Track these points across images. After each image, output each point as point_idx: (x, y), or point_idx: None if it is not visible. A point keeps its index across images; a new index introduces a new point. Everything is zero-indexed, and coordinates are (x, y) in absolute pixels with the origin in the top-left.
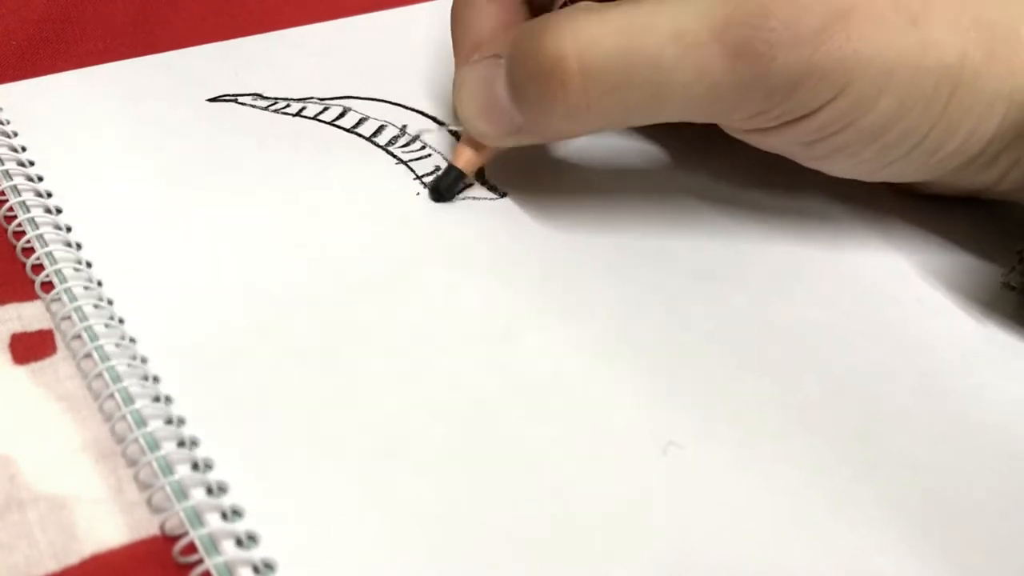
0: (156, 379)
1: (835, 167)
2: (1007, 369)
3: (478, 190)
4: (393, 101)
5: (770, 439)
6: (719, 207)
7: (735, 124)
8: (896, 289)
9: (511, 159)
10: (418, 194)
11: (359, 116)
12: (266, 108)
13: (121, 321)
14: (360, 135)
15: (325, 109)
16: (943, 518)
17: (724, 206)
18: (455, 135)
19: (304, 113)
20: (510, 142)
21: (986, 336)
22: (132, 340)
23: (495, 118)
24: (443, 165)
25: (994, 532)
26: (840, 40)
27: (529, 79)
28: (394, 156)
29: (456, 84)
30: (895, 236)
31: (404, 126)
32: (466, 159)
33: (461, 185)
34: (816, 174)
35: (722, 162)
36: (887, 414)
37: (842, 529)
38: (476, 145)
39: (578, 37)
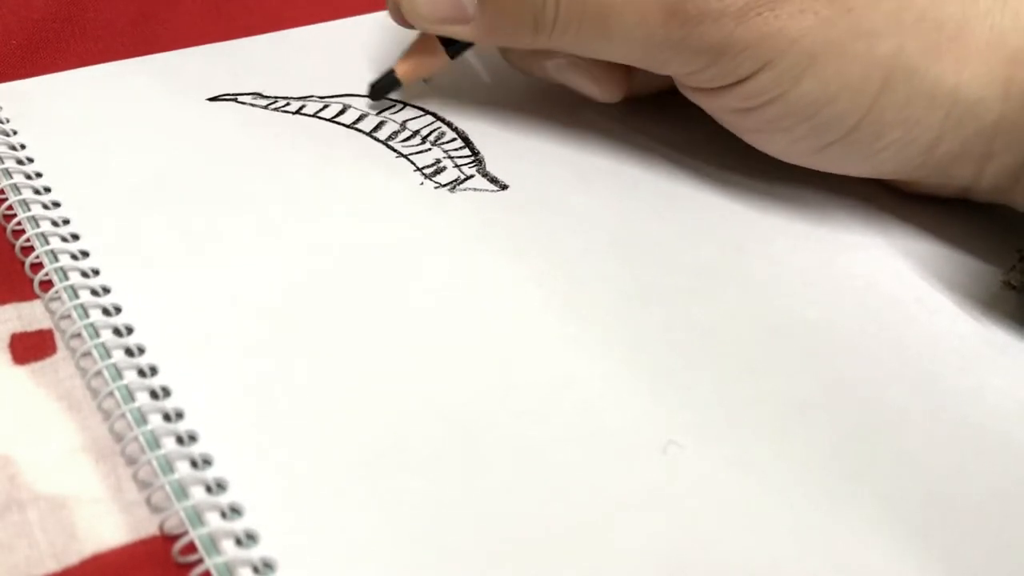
0: (154, 371)
1: (772, 143)
2: (1006, 369)
3: (480, 182)
4: (393, 98)
5: (770, 438)
6: (720, 206)
7: (678, 79)
8: (895, 289)
9: (512, 152)
10: (421, 184)
11: (359, 112)
12: (266, 107)
13: (118, 311)
14: (360, 131)
15: (325, 107)
16: (942, 518)
17: (725, 205)
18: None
19: (304, 111)
20: (446, 31)
21: (985, 336)
22: (129, 330)
23: (444, 5)
24: (446, 164)
25: (993, 532)
26: (767, 18)
27: None
28: (394, 150)
29: None
30: (895, 236)
31: (404, 122)
32: (407, 68)
33: (396, 89)
34: (817, 174)
35: (723, 161)
36: (886, 414)
37: (841, 529)
38: (420, 59)
39: None
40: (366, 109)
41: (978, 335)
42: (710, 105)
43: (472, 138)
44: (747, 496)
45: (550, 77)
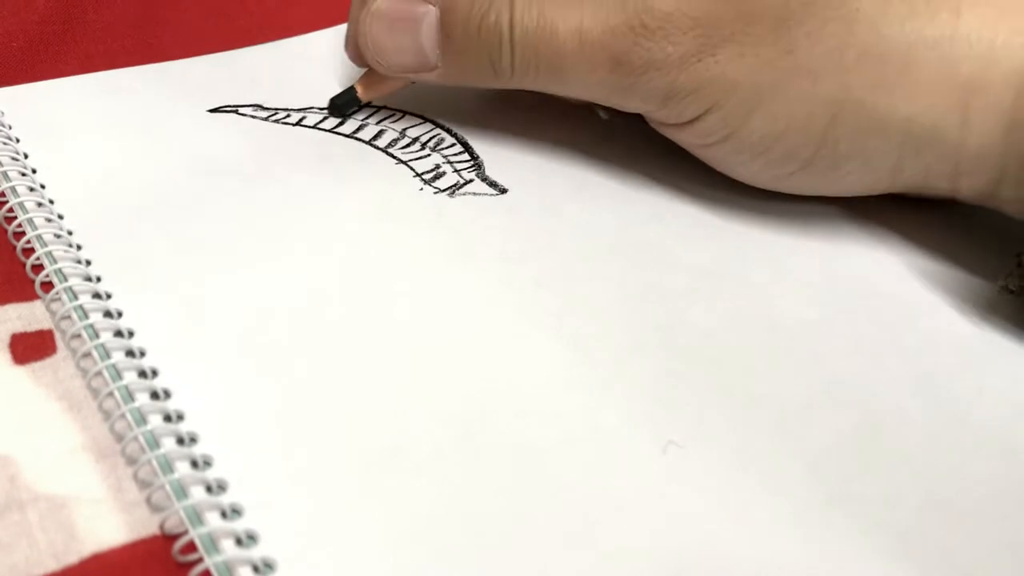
0: (155, 373)
1: (738, 172)
2: (1005, 371)
3: (479, 186)
4: (392, 107)
5: (769, 439)
6: (720, 207)
7: (638, 113)
8: (894, 291)
9: (512, 157)
10: (421, 190)
11: (358, 123)
12: (267, 119)
13: (120, 315)
14: (360, 139)
15: (325, 118)
16: (941, 519)
17: (725, 206)
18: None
19: (304, 122)
20: (413, 78)
21: (984, 338)
22: (131, 334)
23: (410, 55)
24: (445, 169)
25: (992, 533)
26: (707, 63)
27: (468, 39)
28: (394, 157)
29: (371, 14)
30: (894, 238)
31: (404, 130)
32: (366, 85)
33: (355, 108)
34: None
35: None
36: (885, 415)
37: (840, 529)
38: (382, 79)
39: (513, 14)
40: (365, 120)
41: (977, 336)
42: (675, 137)
43: (472, 143)
44: (747, 496)
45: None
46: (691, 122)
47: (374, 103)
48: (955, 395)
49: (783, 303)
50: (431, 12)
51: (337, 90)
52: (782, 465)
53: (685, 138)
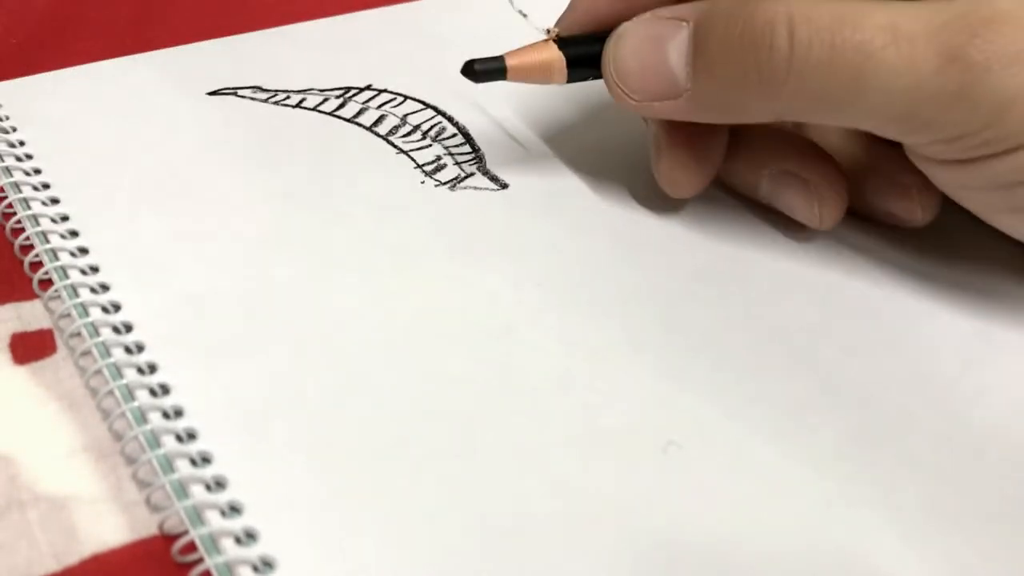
0: (152, 368)
1: None
2: (1007, 369)
3: (480, 180)
4: (393, 91)
5: (769, 439)
6: (720, 207)
7: (932, 149)
8: (894, 290)
9: (513, 149)
10: (422, 183)
11: (359, 106)
12: (266, 100)
13: (117, 308)
14: (360, 125)
15: (324, 100)
16: (941, 519)
17: (725, 206)
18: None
19: (304, 104)
20: (655, 109)
21: (986, 336)
22: (128, 328)
23: (654, 78)
24: (446, 161)
25: (992, 533)
26: None
27: (730, 40)
28: (394, 146)
29: (618, 34)
30: (893, 237)
31: (404, 116)
32: (518, 64)
33: (494, 79)
34: None
35: None
36: (885, 415)
37: (840, 529)
38: (536, 64)
39: (792, 11)
40: (365, 103)
41: (978, 335)
42: (959, 180)
43: (472, 133)
44: (747, 497)
45: (760, 194)
46: (1013, 151)
47: (375, 89)
48: (956, 393)
49: (784, 304)
50: (683, 28)
51: (329, 76)
52: (782, 465)
53: (983, 175)
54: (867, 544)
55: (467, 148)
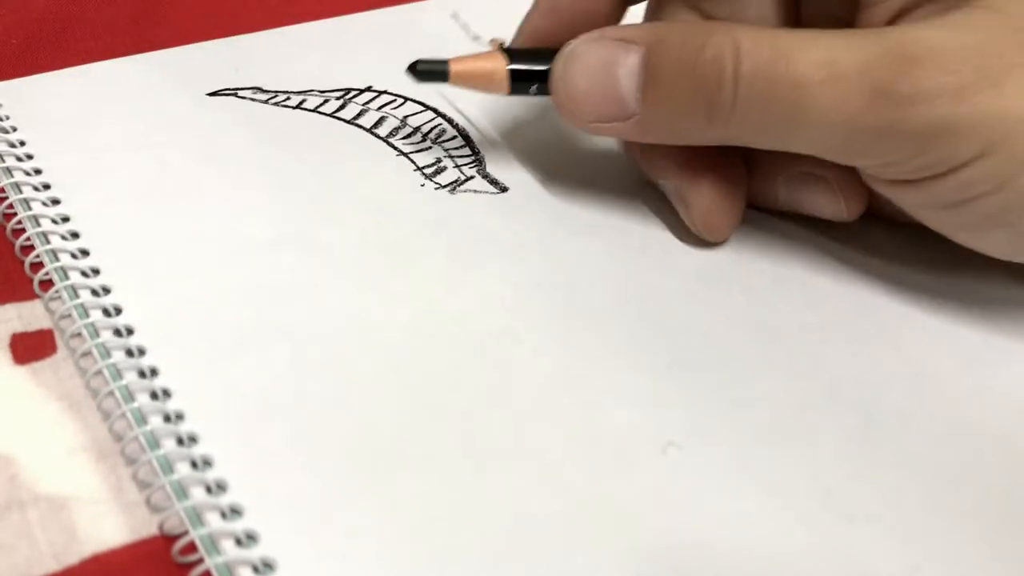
0: (154, 372)
1: (989, 242)
2: (1007, 370)
3: (480, 183)
4: (394, 93)
5: (769, 440)
6: None
7: (872, 171)
8: (894, 289)
9: (513, 151)
10: (422, 185)
11: (359, 108)
12: (266, 101)
13: (119, 312)
14: (360, 127)
15: (325, 102)
16: (941, 519)
17: None
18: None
19: (304, 106)
20: (602, 130)
21: (985, 337)
22: (130, 332)
23: (603, 102)
24: (446, 164)
25: (993, 533)
26: (992, 96)
27: (680, 75)
28: (395, 148)
29: (566, 56)
30: (892, 236)
31: (405, 118)
32: (461, 71)
33: (436, 81)
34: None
35: None
36: (885, 415)
37: (840, 530)
38: (480, 72)
39: (738, 47)
40: (366, 105)
41: (978, 335)
42: (909, 200)
43: (472, 135)
44: (746, 497)
45: (779, 202)
46: (950, 172)
47: (375, 90)
48: (956, 394)
49: (783, 306)
50: (634, 53)
51: (330, 77)
52: (782, 466)
53: (930, 196)
54: (867, 545)
55: (467, 151)
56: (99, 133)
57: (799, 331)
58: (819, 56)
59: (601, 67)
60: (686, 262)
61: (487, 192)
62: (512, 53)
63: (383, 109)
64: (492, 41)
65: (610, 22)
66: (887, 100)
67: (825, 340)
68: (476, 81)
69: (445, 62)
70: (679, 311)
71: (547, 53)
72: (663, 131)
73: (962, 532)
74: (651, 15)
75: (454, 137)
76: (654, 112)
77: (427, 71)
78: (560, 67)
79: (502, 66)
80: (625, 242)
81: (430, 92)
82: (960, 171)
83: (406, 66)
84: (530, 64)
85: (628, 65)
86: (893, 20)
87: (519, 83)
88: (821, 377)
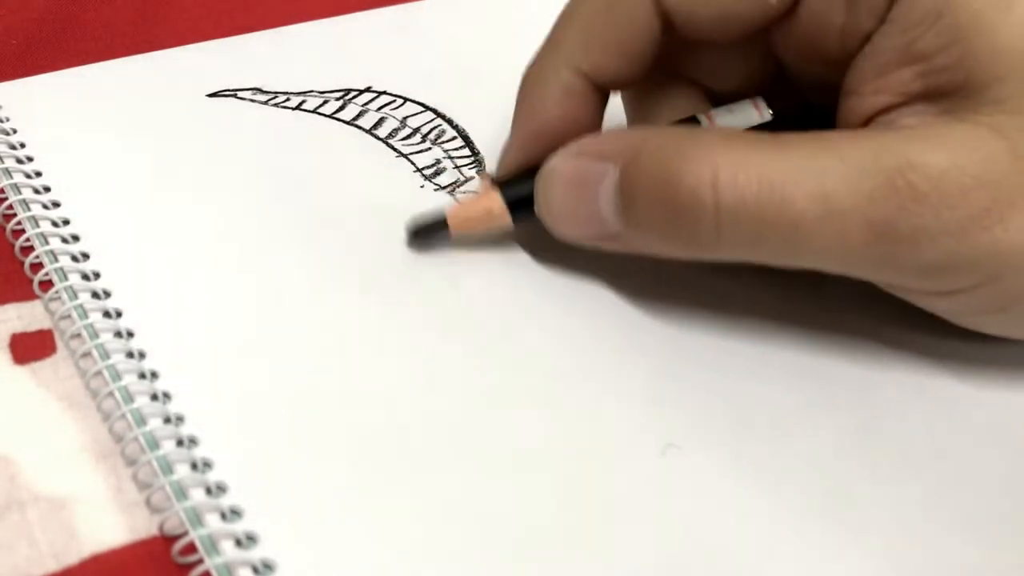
0: (155, 375)
1: (983, 327)
2: (1007, 371)
3: (479, 184)
4: (394, 93)
5: (768, 441)
6: None
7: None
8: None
9: None
10: (422, 187)
11: (358, 109)
12: (266, 102)
13: (119, 315)
14: (360, 128)
15: (325, 103)
16: (942, 520)
17: None
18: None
19: (304, 107)
20: (591, 244)
21: (986, 337)
22: (130, 334)
23: (585, 223)
24: (446, 165)
25: (993, 533)
26: (995, 232)
27: (655, 204)
28: (394, 149)
29: (545, 175)
30: None
31: (404, 119)
32: (460, 219)
33: (438, 237)
34: None
35: None
36: (885, 416)
37: (840, 531)
38: (478, 214)
39: (718, 177)
40: (365, 106)
41: (979, 336)
42: (909, 298)
43: (472, 136)
44: (746, 498)
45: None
46: (953, 293)
47: (375, 91)
48: (956, 395)
49: (783, 306)
50: (610, 173)
51: (329, 77)
52: (781, 467)
53: (935, 305)
54: (866, 547)
55: (466, 152)
56: (99, 135)
57: (798, 331)
58: (812, 189)
59: (579, 188)
60: (686, 262)
61: None
62: (504, 185)
63: (383, 110)
64: (482, 175)
65: (592, 128)
66: (886, 238)
67: (824, 339)
68: (478, 223)
69: (442, 215)
70: (677, 311)
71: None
72: (649, 251)
73: (962, 532)
74: (639, 93)
75: (454, 138)
76: (636, 235)
77: (425, 228)
78: (541, 188)
79: (498, 202)
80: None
81: (430, 92)
82: (958, 295)
83: (406, 239)
84: (524, 189)
85: (605, 186)
86: (881, 112)
87: (521, 211)
88: (820, 377)
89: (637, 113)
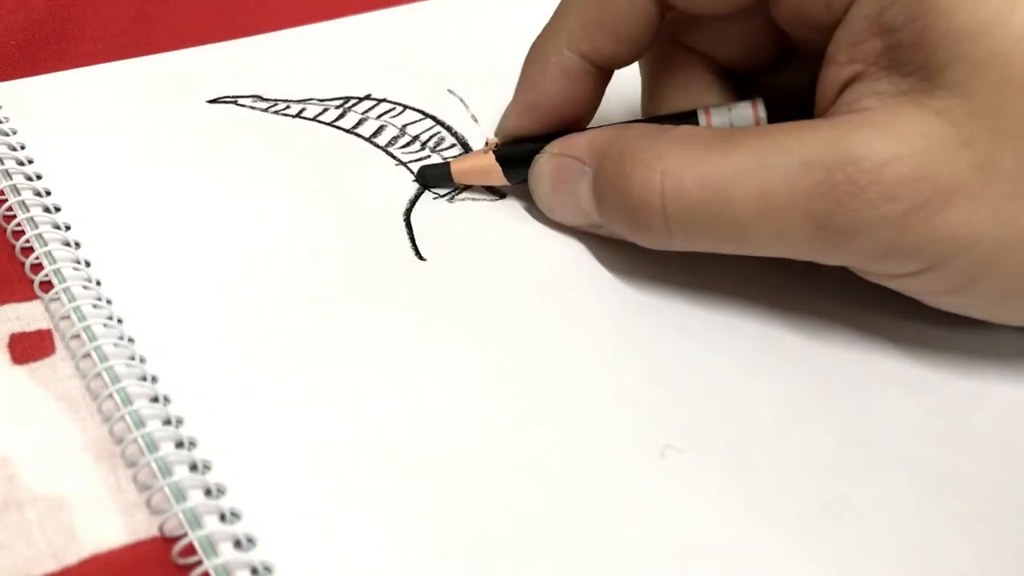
0: (155, 379)
1: (946, 306)
2: (1007, 372)
3: (478, 191)
4: (393, 101)
5: (767, 442)
6: None
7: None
8: (893, 293)
9: None
10: (421, 194)
11: (358, 117)
12: (266, 110)
13: (120, 321)
14: (360, 136)
15: (325, 110)
16: (941, 522)
17: None
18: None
19: (304, 114)
20: (584, 228)
21: (986, 339)
22: (131, 340)
23: (573, 214)
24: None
25: (993, 536)
26: (935, 222)
27: (616, 207)
28: (394, 157)
29: (534, 173)
30: None
31: (404, 127)
32: (462, 170)
33: (446, 186)
34: None
35: None
36: (885, 417)
37: (839, 533)
38: (478, 169)
39: (664, 183)
40: (365, 113)
41: (978, 338)
42: (880, 281)
43: (471, 143)
44: (745, 500)
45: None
46: (903, 276)
47: (375, 98)
48: (956, 396)
49: (780, 307)
50: (586, 175)
51: (329, 83)
52: (780, 468)
53: (893, 284)
54: (866, 548)
55: None
56: (99, 138)
57: (797, 332)
58: (752, 189)
59: (563, 185)
60: (686, 264)
61: (485, 199)
62: (501, 149)
63: (382, 118)
64: (487, 142)
65: (590, 109)
66: (827, 231)
67: (823, 342)
68: (476, 177)
69: (446, 164)
70: (676, 314)
71: (534, 141)
72: (628, 239)
73: (962, 532)
74: (652, 64)
75: (453, 145)
76: (612, 227)
77: (432, 175)
78: (532, 181)
79: (492, 162)
80: (623, 246)
81: (429, 100)
82: (909, 278)
83: (415, 177)
84: (519, 155)
85: (583, 187)
86: (851, 81)
87: (513, 172)
88: (820, 378)
89: (651, 83)
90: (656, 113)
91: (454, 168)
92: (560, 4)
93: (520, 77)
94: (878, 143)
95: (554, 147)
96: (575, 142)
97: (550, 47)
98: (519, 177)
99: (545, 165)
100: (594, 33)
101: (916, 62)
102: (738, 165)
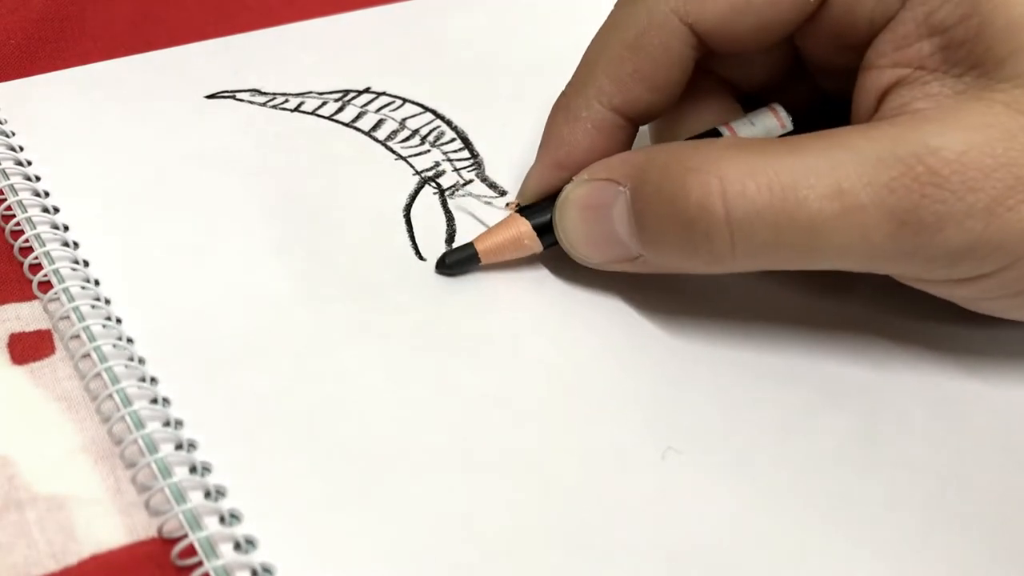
0: (154, 380)
1: (1006, 313)
2: (1008, 372)
3: (479, 187)
4: (392, 94)
5: (768, 444)
6: None
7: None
8: (893, 291)
9: (511, 152)
10: (421, 189)
11: (357, 110)
12: (264, 104)
13: (119, 321)
14: (359, 130)
15: (323, 104)
16: (943, 521)
17: None
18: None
19: (302, 108)
20: (616, 268)
21: (988, 338)
22: (130, 341)
23: (605, 246)
24: (445, 168)
25: (995, 535)
26: (1021, 212)
27: (666, 221)
28: (393, 151)
29: (560, 204)
30: None
31: (403, 120)
32: (489, 248)
33: (469, 269)
34: None
35: None
36: (886, 417)
37: (841, 533)
38: (507, 241)
39: (726, 188)
40: (364, 107)
41: (981, 337)
42: (929, 289)
43: (471, 138)
44: (746, 501)
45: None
46: (976, 279)
47: (374, 92)
48: (958, 395)
49: (780, 308)
50: (622, 194)
51: (328, 77)
52: (782, 470)
53: (953, 292)
54: (867, 549)
55: (466, 154)
56: (98, 137)
57: (797, 333)
58: (827, 187)
59: (595, 212)
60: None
61: (486, 196)
62: (528, 211)
63: (382, 111)
64: (508, 205)
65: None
66: (910, 227)
67: (823, 341)
68: (508, 251)
69: (470, 246)
70: (677, 315)
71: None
72: (671, 270)
73: (962, 532)
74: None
75: (453, 140)
76: (653, 254)
77: (456, 261)
78: (558, 217)
79: (527, 228)
80: None
81: (429, 93)
82: (981, 281)
83: (435, 265)
84: (548, 215)
85: (619, 209)
86: (895, 85)
87: (546, 236)
88: (820, 379)
89: (666, 115)
90: (674, 140)
91: (480, 247)
92: (584, 59)
93: (544, 135)
94: (950, 135)
95: (581, 175)
96: (603, 168)
97: (579, 103)
98: (554, 239)
99: (573, 192)
100: (628, 85)
101: (972, 59)
102: (805, 164)
